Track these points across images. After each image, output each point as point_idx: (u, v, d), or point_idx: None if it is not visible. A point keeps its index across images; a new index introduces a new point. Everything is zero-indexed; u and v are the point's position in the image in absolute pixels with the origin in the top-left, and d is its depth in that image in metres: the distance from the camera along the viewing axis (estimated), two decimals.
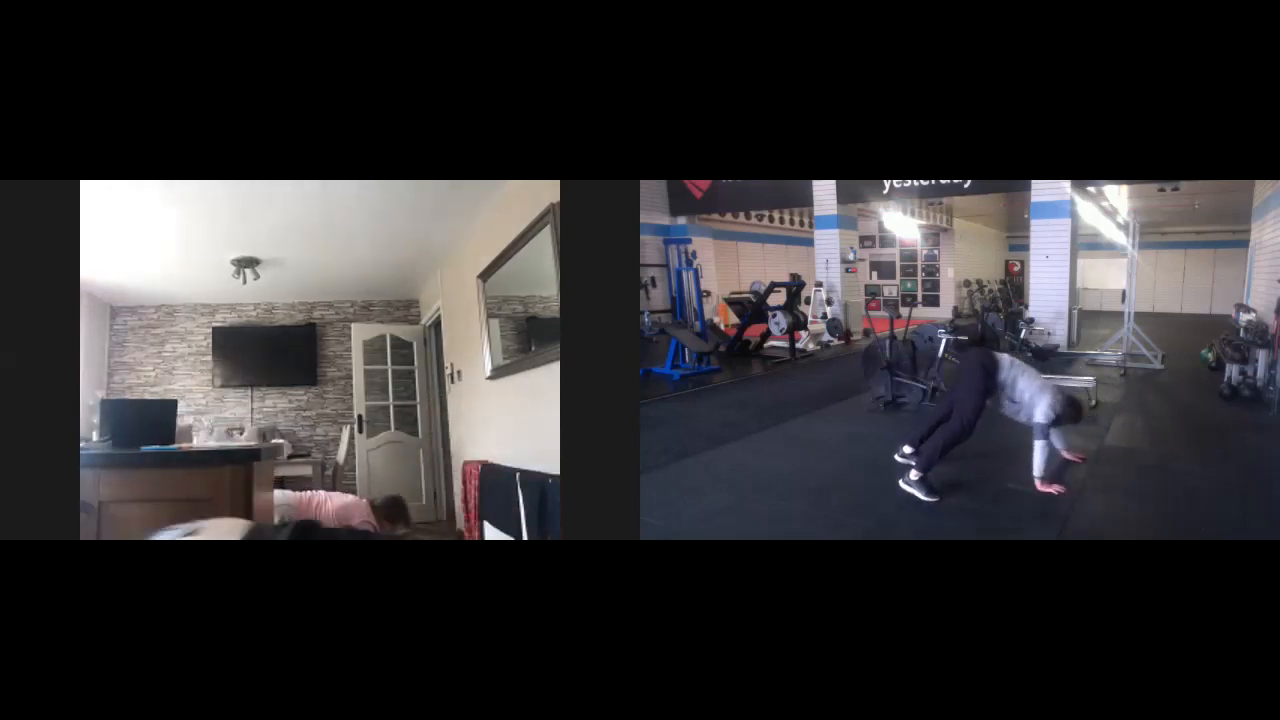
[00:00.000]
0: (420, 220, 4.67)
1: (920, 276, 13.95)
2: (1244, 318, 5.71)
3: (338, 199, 4.14)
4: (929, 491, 3.19)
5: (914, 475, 3.23)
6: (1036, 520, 2.93)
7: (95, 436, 3.41)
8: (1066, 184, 7.96)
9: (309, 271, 6.07)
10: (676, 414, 5.24)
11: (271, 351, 7.06)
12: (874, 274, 13.94)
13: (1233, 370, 5.46)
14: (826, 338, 9.52)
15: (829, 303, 9.81)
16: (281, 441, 6.26)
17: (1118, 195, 9.64)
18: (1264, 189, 7.99)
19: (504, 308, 4.35)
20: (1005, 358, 3.47)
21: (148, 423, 3.21)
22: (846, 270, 9.96)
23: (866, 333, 9.91)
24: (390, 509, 4.54)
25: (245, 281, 5.58)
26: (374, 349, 6.86)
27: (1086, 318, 9.88)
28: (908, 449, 3.60)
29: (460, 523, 5.16)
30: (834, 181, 9.54)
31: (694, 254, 9.19)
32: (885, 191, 9.40)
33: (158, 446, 2.87)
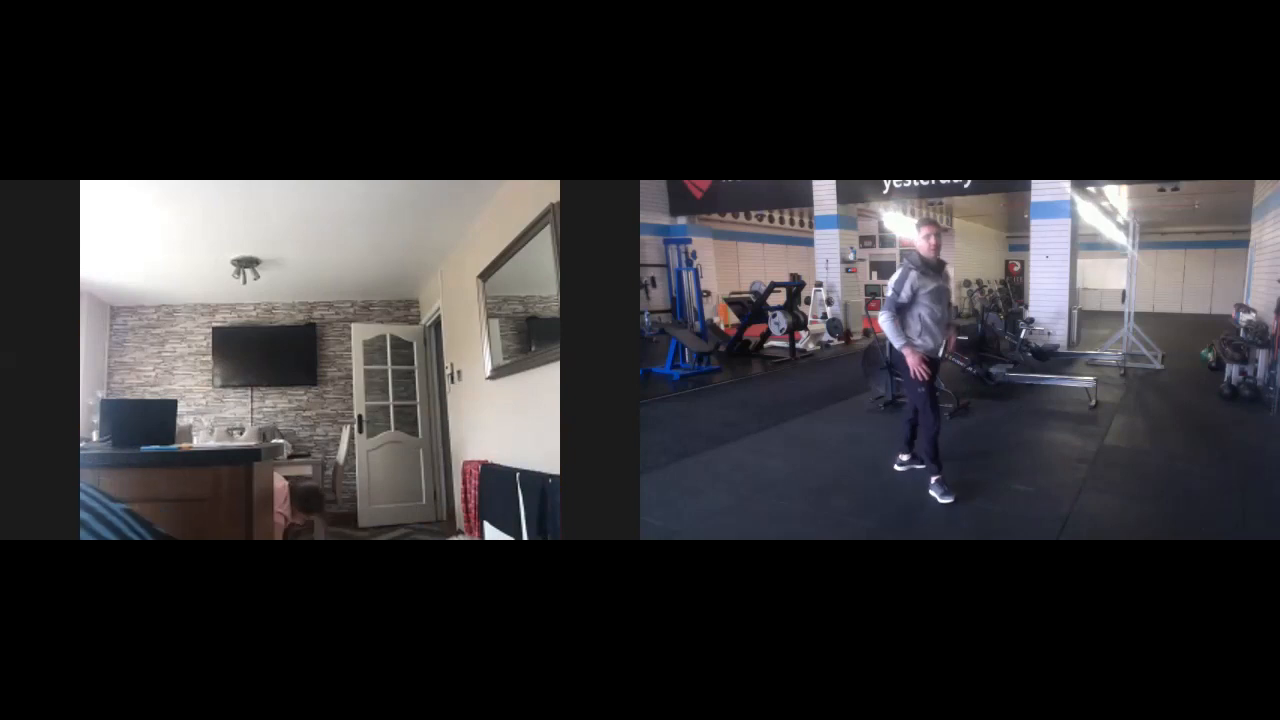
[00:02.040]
0: (420, 220, 4.67)
1: None
2: (1244, 318, 5.72)
3: (338, 199, 4.14)
4: (945, 492, 3.18)
5: (934, 480, 3.22)
6: (1036, 520, 2.93)
7: (95, 436, 3.41)
8: (1066, 184, 7.96)
9: (309, 271, 6.07)
10: (676, 414, 5.25)
11: (271, 351, 7.07)
12: (874, 274, 13.94)
13: (1233, 370, 5.47)
14: (826, 338, 9.53)
15: (829, 303, 9.82)
16: (281, 441, 6.26)
17: (1118, 195, 9.65)
18: (1264, 189, 8.00)
19: (504, 308, 4.35)
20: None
21: (148, 423, 3.21)
22: (846, 270, 9.96)
23: (866, 333, 9.91)
24: (306, 498, 4.52)
25: (245, 281, 5.59)
26: (374, 349, 6.86)
27: (1086, 318, 9.89)
28: (904, 457, 3.63)
29: (460, 523, 5.17)
30: (834, 181, 9.54)
31: (694, 254, 9.20)
32: (885, 191, 9.40)
33: (158, 446, 2.87)
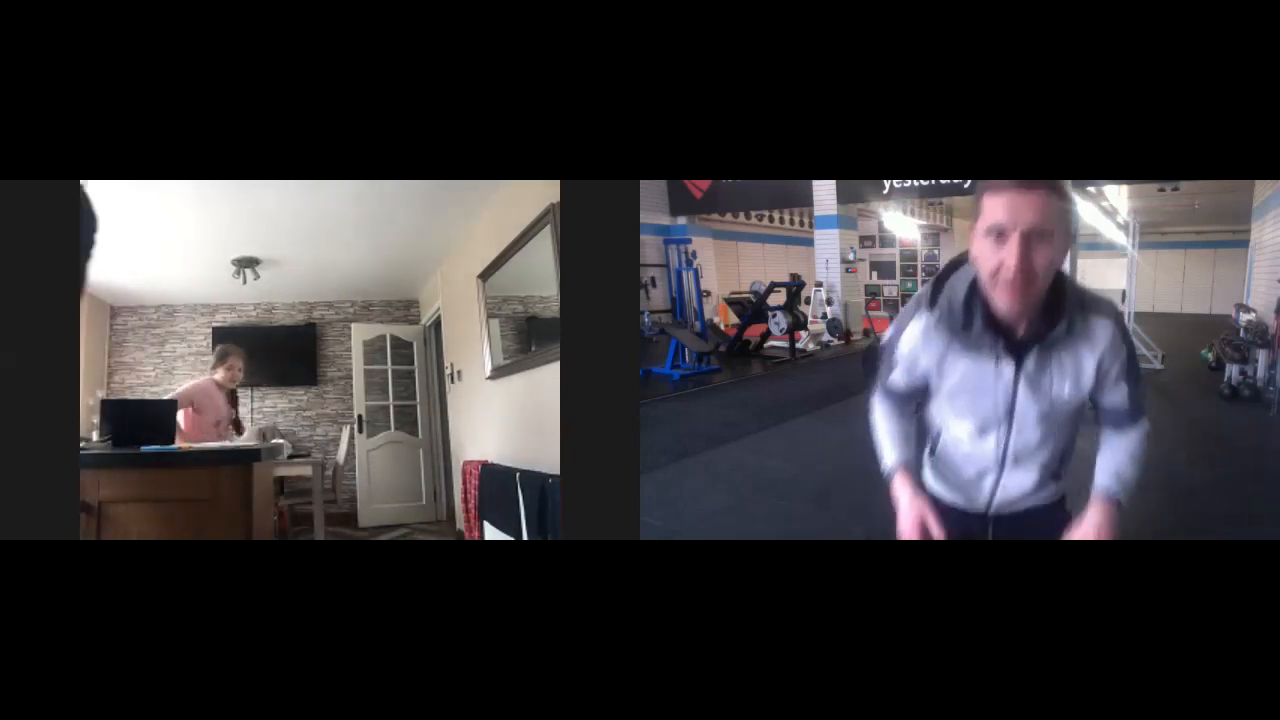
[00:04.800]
0: (420, 220, 4.67)
1: (920, 276, 13.96)
2: (1244, 318, 5.72)
3: (338, 199, 4.14)
4: None
5: None
6: None
7: (95, 436, 3.41)
8: (1066, 184, 7.95)
9: (309, 271, 6.07)
10: (676, 414, 5.25)
11: (271, 351, 7.06)
12: (874, 274, 13.95)
13: (1233, 370, 5.47)
14: (826, 338, 9.53)
15: (829, 303, 9.81)
16: (281, 441, 6.25)
17: (1118, 195, 9.65)
18: (1264, 189, 8.00)
19: (504, 308, 4.35)
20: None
21: (148, 423, 3.21)
22: (846, 270, 9.96)
23: (866, 333, 9.91)
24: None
25: (245, 281, 5.59)
26: (374, 349, 6.86)
27: None
28: None
29: (460, 523, 5.16)
30: (834, 181, 9.54)
31: (694, 254, 9.20)
32: (885, 191, 9.40)
33: (158, 447, 2.87)
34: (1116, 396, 1.22)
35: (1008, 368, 1.15)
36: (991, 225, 1.03)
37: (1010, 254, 1.02)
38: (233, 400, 4.49)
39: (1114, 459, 1.28)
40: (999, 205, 1.03)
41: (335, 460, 6.19)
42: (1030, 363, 1.15)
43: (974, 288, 1.12)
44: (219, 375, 4.32)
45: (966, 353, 1.16)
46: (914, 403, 1.41)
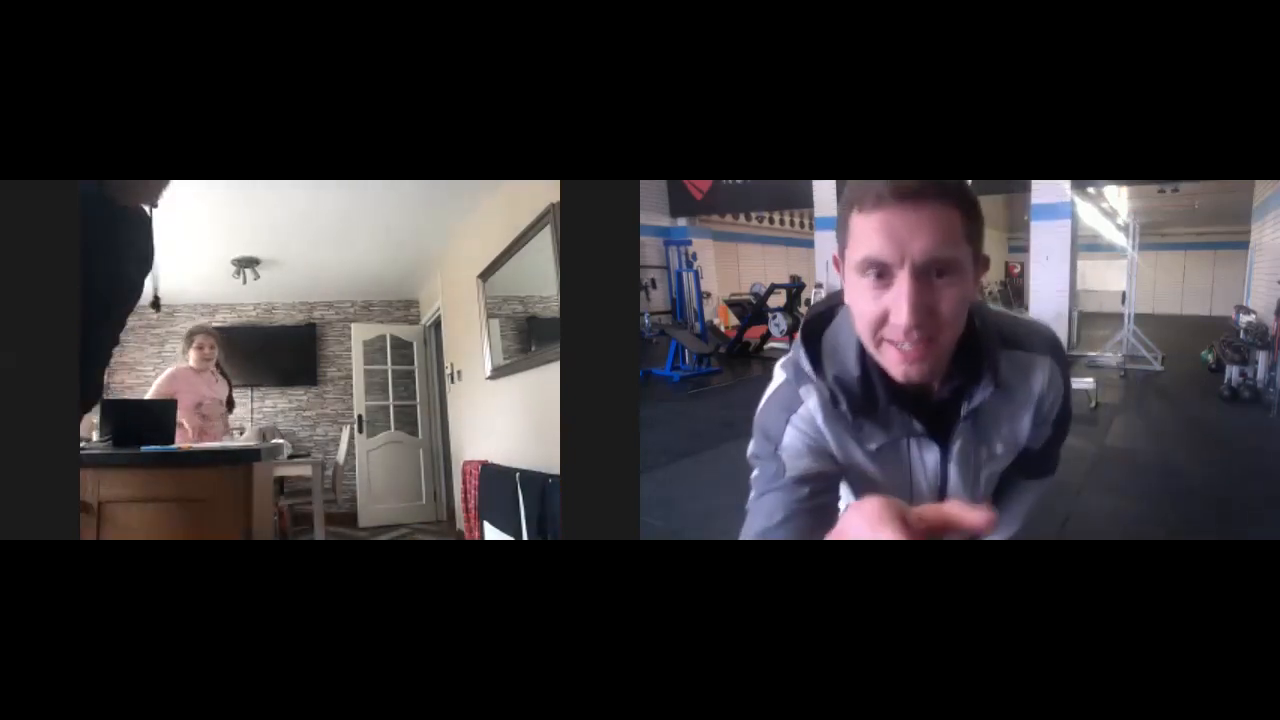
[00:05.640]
0: (420, 220, 4.67)
1: None
2: (1244, 319, 5.73)
3: (338, 199, 4.15)
4: None
5: None
6: (1036, 520, 2.93)
7: (95, 436, 3.41)
8: (1066, 184, 7.98)
9: (309, 271, 6.08)
10: (676, 415, 5.25)
11: (271, 351, 7.06)
12: None
13: (1233, 371, 5.47)
14: None
15: None
16: (281, 441, 6.25)
17: (1118, 196, 9.67)
18: (1264, 189, 8.01)
19: (504, 308, 4.35)
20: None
21: (148, 423, 3.21)
22: None
23: None
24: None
25: (245, 281, 5.59)
26: (374, 349, 6.86)
27: (1086, 319, 9.89)
28: None
29: (460, 523, 5.17)
30: (834, 182, 9.55)
31: (694, 255, 9.21)
32: None
33: (158, 447, 2.87)
34: (1039, 439, 0.97)
35: (930, 452, 0.89)
36: (867, 259, 0.71)
37: (900, 301, 0.70)
38: (223, 374, 4.51)
39: (1005, 519, 1.04)
40: (874, 230, 0.70)
41: (335, 460, 6.19)
42: (959, 440, 0.88)
43: (865, 350, 0.81)
44: (192, 360, 4.35)
45: (873, 438, 0.87)
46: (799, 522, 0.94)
